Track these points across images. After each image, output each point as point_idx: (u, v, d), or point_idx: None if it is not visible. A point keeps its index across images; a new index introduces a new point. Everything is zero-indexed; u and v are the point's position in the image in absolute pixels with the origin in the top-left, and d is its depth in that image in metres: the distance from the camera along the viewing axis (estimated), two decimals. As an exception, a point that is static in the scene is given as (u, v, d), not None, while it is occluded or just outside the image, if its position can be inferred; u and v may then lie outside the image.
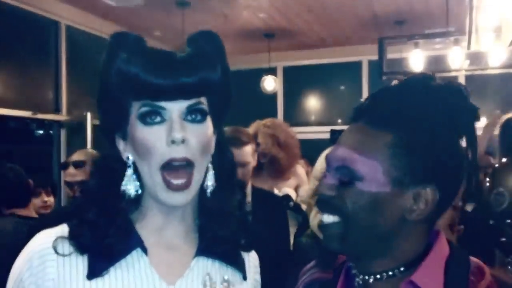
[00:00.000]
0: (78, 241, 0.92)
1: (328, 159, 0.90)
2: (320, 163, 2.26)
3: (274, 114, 7.20)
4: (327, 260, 1.00)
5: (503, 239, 1.63)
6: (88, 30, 5.59)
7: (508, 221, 1.60)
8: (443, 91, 0.86)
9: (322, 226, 0.90)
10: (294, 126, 6.99)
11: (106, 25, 5.48)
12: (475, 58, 4.76)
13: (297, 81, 7.33)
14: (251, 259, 1.07)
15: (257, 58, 6.85)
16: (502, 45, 3.72)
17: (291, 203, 3.29)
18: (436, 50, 5.58)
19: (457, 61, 4.76)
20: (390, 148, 0.84)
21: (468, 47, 3.61)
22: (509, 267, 1.50)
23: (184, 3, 5.08)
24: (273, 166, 3.40)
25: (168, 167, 0.90)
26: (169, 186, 0.90)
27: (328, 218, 0.88)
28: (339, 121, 7.15)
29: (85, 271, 0.91)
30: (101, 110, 0.97)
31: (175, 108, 0.90)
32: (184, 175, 0.90)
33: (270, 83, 6.61)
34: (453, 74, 5.35)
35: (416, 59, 5.06)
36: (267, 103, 7.11)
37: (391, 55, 5.28)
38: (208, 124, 0.94)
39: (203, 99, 0.93)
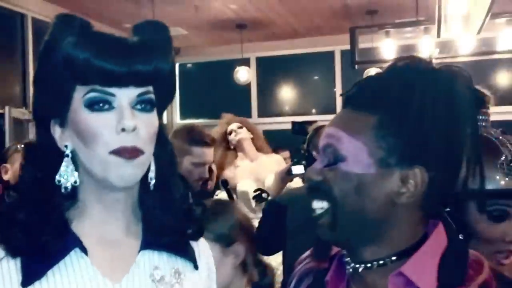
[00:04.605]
0: (10, 244, 0.85)
1: (320, 141, 0.89)
2: None
3: (248, 105, 7.18)
4: (322, 251, 0.97)
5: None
6: (56, 23, 5.46)
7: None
8: (441, 74, 0.84)
9: (314, 216, 0.87)
10: (269, 116, 7.05)
11: (75, 17, 5.35)
12: (445, 46, 4.81)
13: (271, 71, 7.30)
14: (201, 248, 1.04)
15: (230, 49, 6.80)
16: (471, 33, 3.76)
17: (265, 195, 3.24)
18: (407, 39, 5.62)
19: (427, 50, 4.81)
20: (374, 129, 0.82)
21: (438, 35, 3.64)
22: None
23: (154, -6, 5.01)
24: (247, 144, 3.55)
25: (117, 153, 0.86)
26: (121, 155, 0.85)
27: (317, 204, 0.86)
28: (314, 111, 7.17)
29: (19, 278, 0.84)
30: (37, 94, 0.92)
31: (124, 95, 0.87)
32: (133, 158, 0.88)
33: (244, 74, 6.57)
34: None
35: (387, 48, 5.10)
36: (240, 95, 7.09)
37: (363, 44, 5.30)
38: (155, 114, 0.92)
39: (151, 88, 0.91)
